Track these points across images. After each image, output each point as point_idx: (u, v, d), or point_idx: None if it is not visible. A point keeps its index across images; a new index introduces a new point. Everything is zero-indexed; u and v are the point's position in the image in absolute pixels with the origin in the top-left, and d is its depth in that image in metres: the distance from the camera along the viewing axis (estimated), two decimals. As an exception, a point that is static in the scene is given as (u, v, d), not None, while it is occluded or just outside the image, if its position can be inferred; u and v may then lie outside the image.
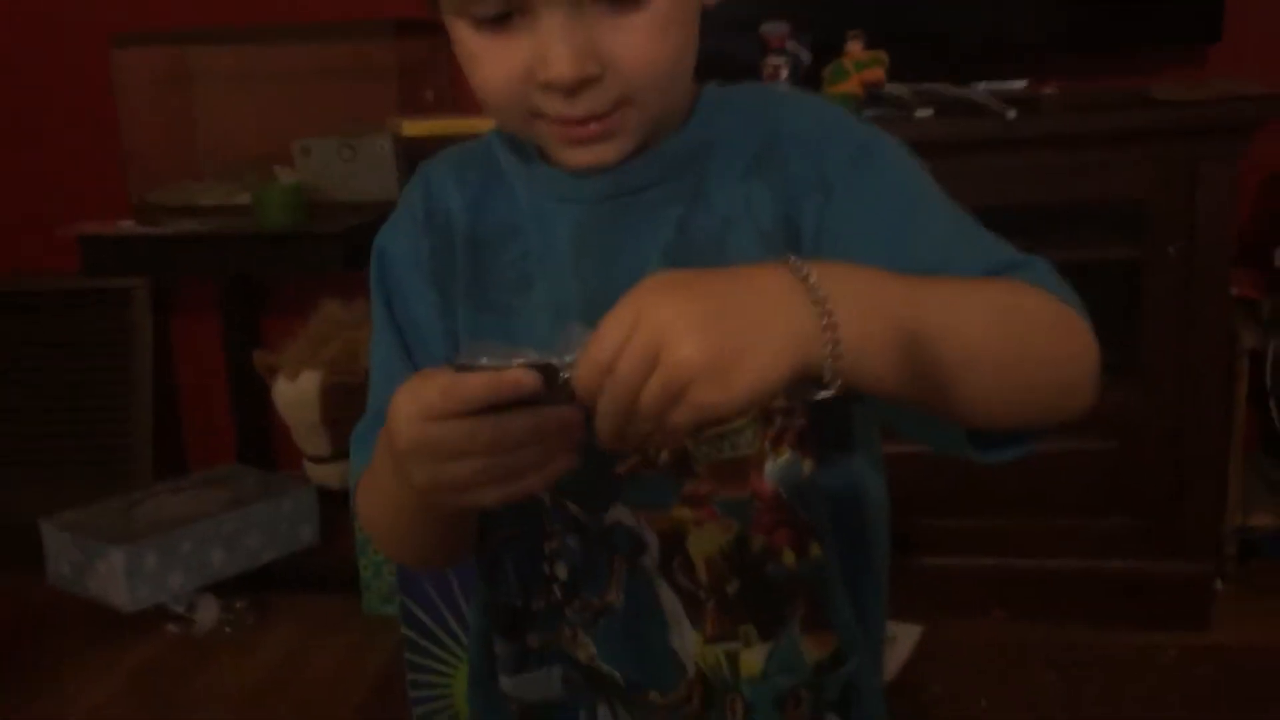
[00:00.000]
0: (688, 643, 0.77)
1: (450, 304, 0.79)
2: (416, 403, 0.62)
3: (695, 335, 0.56)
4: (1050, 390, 0.68)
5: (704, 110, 0.78)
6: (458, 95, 2.50)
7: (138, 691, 2.06)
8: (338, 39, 2.40)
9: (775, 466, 0.76)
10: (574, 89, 0.69)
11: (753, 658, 0.78)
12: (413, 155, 2.16)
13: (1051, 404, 0.68)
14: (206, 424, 2.79)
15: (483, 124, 2.22)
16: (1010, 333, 0.65)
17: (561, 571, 0.79)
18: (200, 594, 2.24)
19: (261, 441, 2.68)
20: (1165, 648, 1.98)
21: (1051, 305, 0.67)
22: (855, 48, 1.94)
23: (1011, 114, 1.86)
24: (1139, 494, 2.04)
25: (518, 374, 0.59)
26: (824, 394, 0.59)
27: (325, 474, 2.14)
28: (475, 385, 0.60)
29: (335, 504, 2.37)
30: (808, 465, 0.77)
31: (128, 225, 2.38)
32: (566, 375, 0.59)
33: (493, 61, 0.71)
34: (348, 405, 2.08)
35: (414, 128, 2.09)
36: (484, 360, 0.60)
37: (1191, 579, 2.03)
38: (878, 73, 1.91)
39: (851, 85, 1.91)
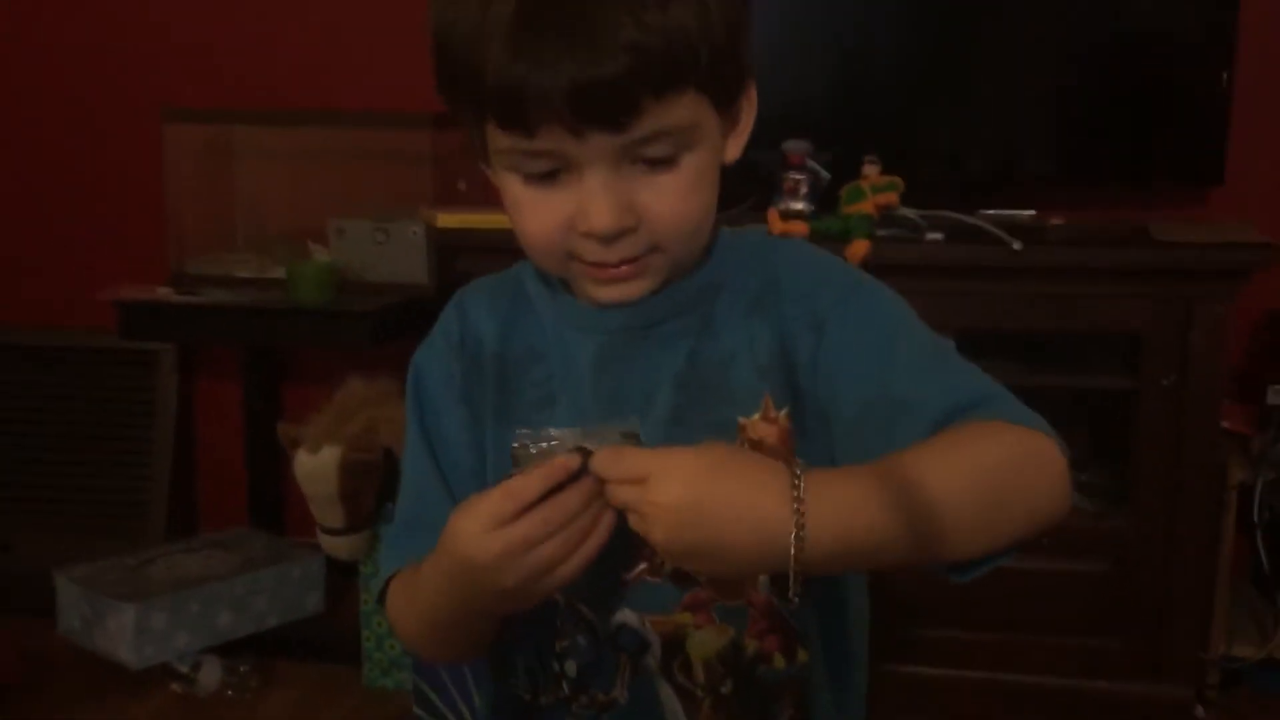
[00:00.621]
0: None
1: (479, 420, 0.88)
2: (480, 518, 0.72)
3: (667, 534, 0.70)
4: (1022, 521, 0.74)
5: (718, 253, 0.87)
6: (489, 187, 2.59)
7: (137, 748, 2.10)
8: (377, 126, 2.51)
9: (767, 579, 0.84)
10: (612, 238, 0.78)
11: None
12: (444, 243, 2.25)
13: (1024, 531, 0.74)
14: (220, 486, 2.84)
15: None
16: (984, 489, 0.72)
17: (571, 669, 0.86)
18: (205, 655, 2.28)
19: (273, 507, 2.74)
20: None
21: (1020, 442, 0.74)
22: (872, 171, 2.04)
23: (1017, 245, 1.94)
24: (1127, 617, 2.09)
25: (565, 460, 0.72)
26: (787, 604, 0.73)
27: (337, 546, 2.20)
28: (534, 481, 0.72)
29: (342, 574, 2.42)
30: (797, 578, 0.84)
31: (164, 292, 2.47)
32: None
33: (537, 212, 0.79)
34: (365, 481, 2.15)
35: (447, 219, 2.18)
36: (540, 445, 0.74)
37: (1174, 704, 2.07)
38: (892, 197, 2.00)
39: (867, 206, 2.00)
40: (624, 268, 0.80)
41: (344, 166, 2.57)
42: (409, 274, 2.40)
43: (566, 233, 0.79)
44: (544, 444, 0.73)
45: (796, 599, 0.70)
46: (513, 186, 0.80)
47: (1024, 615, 2.12)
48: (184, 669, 2.26)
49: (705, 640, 0.84)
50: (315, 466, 2.11)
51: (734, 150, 0.84)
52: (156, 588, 2.29)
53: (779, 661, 0.85)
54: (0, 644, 2.34)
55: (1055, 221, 2.18)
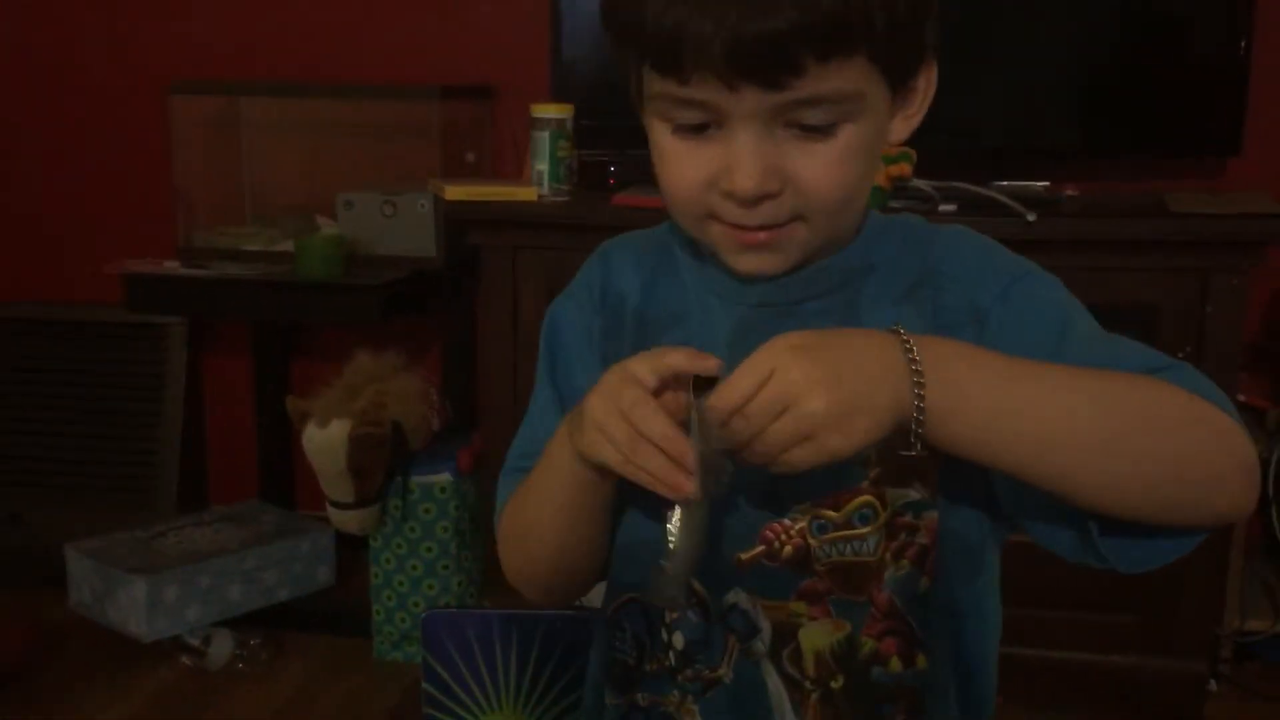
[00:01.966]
0: None
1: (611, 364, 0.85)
2: (634, 362, 0.74)
3: (822, 393, 0.68)
4: (1180, 484, 0.71)
5: (869, 234, 0.84)
6: (497, 159, 2.59)
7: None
8: (385, 99, 2.49)
9: (893, 577, 0.81)
10: (754, 201, 0.76)
11: None
12: (452, 216, 2.24)
13: (1186, 500, 0.71)
14: (230, 460, 2.85)
15: (522, 192, 2.30)
16: (1112, 415, 0.71)
17: (679, 641, 0.84)
18: (216, 628, 2.29)
19: (283, 481, 2.74)
20: (1158, 745, 2.01)
21: (1188, 403, 0.71)
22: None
23: (1031, 216, 1.92)
24: (1140, 592, 2.07)
25: (707, 356, 0.73)
26: (909, 453, 0.71)
27: (346, 520, 2.20)
28: (673, 357, 0.73)
29: (352, 548, 2.42)
30: (924, 582, 0.82)
31: (172, 265, 2.46)
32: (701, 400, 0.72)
33: (682, 164, 0.78)
34: (374, 455, 2.15)
35: (455, 191, 2.16)
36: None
37: (1186, 678, 2.06)
38: (905, 168, 1.98)
39: (880, 178, 1.98)
40: (763, 234, 0.78)
41: (352, 139, 2.56)
42: (417, 247, 2.39)
43: (708, 190, 0.77)
44: None
45: (919, 446, 0.70)
46: (661, 135, 0.78)
47: (1037, 589, 2.09)
48: (195, 642, 2.26)
49: (819, 633, 0.81)
50: (324, 440, 2.11)
51: (902, 130, 0.81)
52: (167, 561, 2.30)
53: (895, 665, 0.82)
54: (12, 616, 2.34)
55: (1070, 193, 2.16)
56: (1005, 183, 2.08)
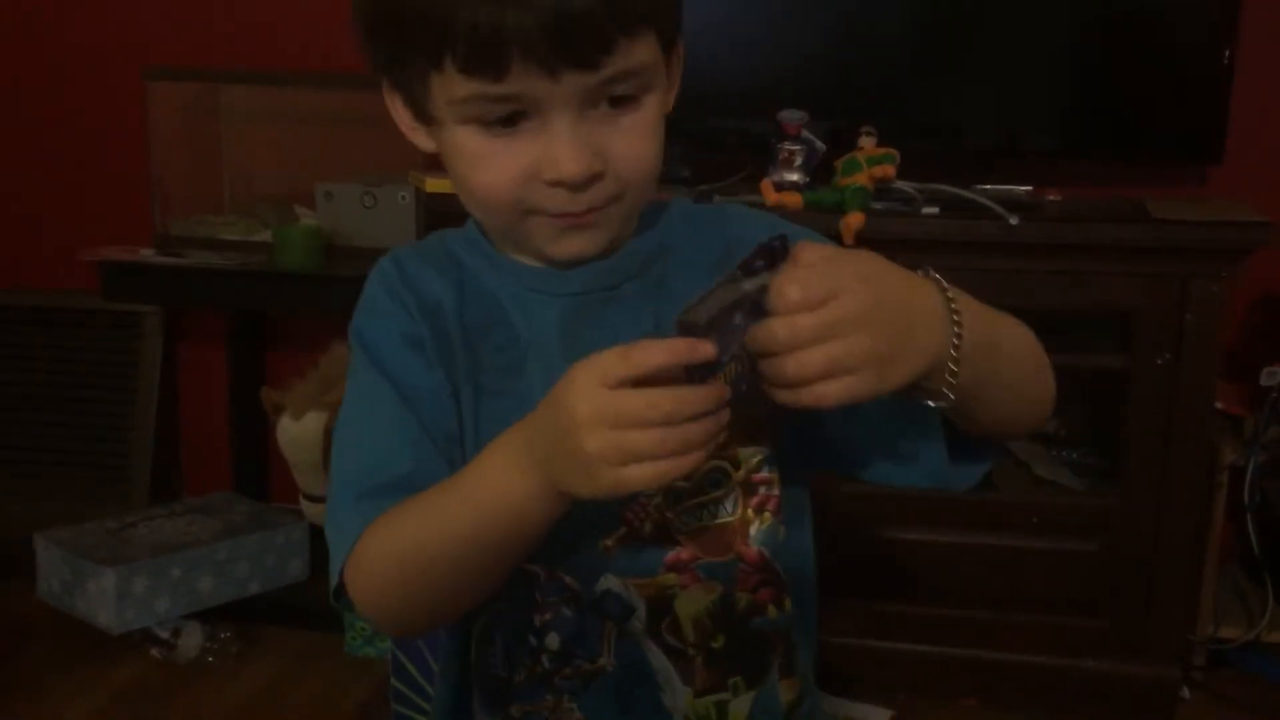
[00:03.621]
0: (678, 698, 0.83)
1: (455, 386, 0.83)
2: (594, 370, 0.65)
3: (875, 330, 0.65)
4: (1036, 406, 0.81)
5: (669, 219, 0.87)
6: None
7: (116, 713, 2.08)
8: (367, 88, 2.46)
9: (759, 532, 0.84)
10: (581, 185, 0.76)
11: (740, 706, 0.85)
12: (432, 208, 2.22)
13: (1030, 419, 0.82)
14: (204, 451, 2.82)
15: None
16: (1034, 357, 0.79)
17: (553, 641, 0.84)
18: (186, 620, 2.26)
19: (257, 473, 2.72)
20: (1129, 751, 2.01)
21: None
22: (868, 143, 2.01)
23: (1014, 219, 1.92)
24: (1114, 597, 2.08)
25: (696, 343, 0.63)
26: (938, 403, 0.71)
27: (320, 513, 2.17)
28: (655, 352, 0.63)
29: (324, 542, 2.39)
30: (782, 531, 0.86)
31: (148, 254, 2.44)
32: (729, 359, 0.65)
33: (497, 163, 0.77)
34: (348, 447, 2.13)
35: (436, 184, 2.15)
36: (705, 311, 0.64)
37: (1159, 684, 2.07)
38: (888, 169, 1.98)
39: (862, 179, 1.97)
40: (588, 215, 0.78)
41: (333, 129, 2.54)
42: (397, 239, 2.35)
43: (528, 183, 0.77)
44: (715, 311, 0.64)
45: (952, 389, 0.70)
46: (467, 139, 0.77)
47: (1012, 593, 2.11)
48: (164, 634, 2.24)
49: (693, 598, 0.83)
50: (299, 433, 2.09)
51: (669, 102, 0.83)
52: (137, 552, 2.27)
53: (772, 612, 0.85)
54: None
55: (1052, 197, 2.16)
56: (988, 186, 2.07)
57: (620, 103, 0.76)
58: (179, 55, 2.61)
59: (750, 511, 0.84)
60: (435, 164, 2.44)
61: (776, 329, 0.64)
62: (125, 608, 2.21)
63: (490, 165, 0.77)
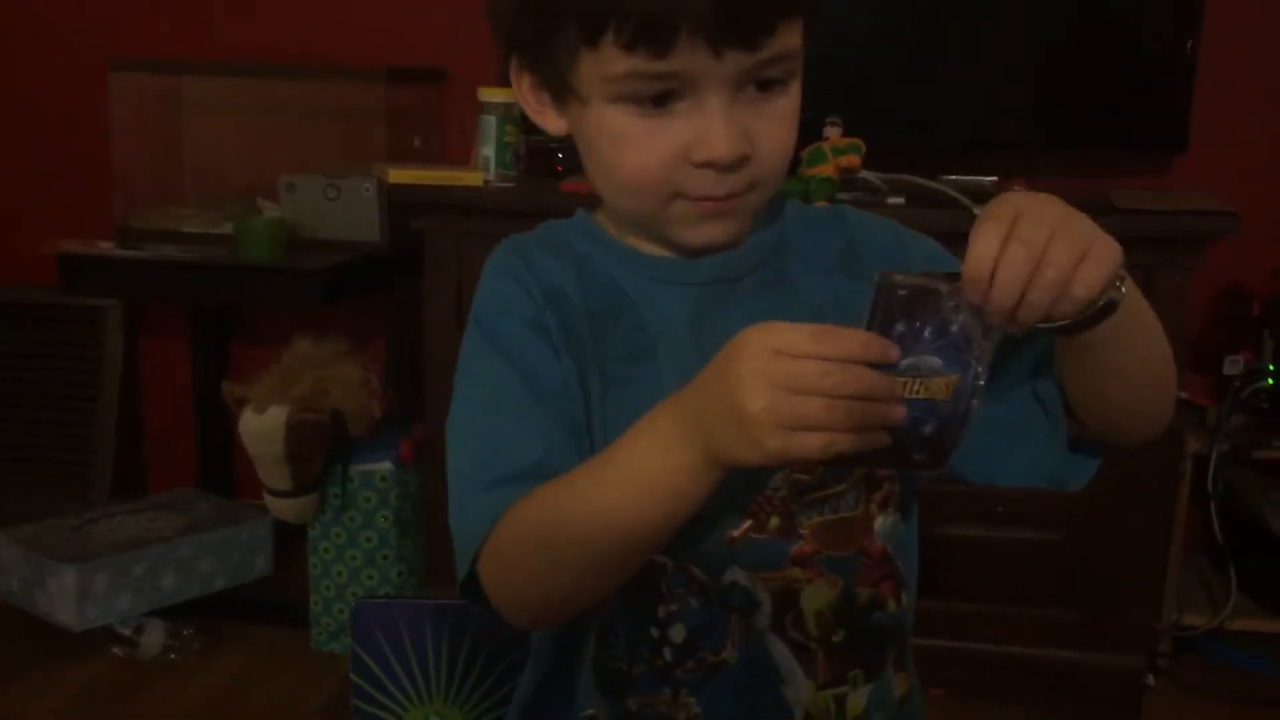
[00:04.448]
0: (800, 691, 0.83)
1: (582, 375, 0.81)
2: (773, 334, 0.64)
3: (1066, 242, 0.65)
4: (1159, 400, 0.79)
5: (786, 217, 0.88)
6: (445, 144, 2.55)
7: (78, 712, 2.05)
8: (331, 79, 2.45)
9: (883, 526, 0.84)
10: (730, 167, 0.76)
11: (858, 699, 0.85)
12: (397, 200, 2.20)
13: (1150, 412, 0.80)
14: (168, 447, 2.80)
15: (468, 177, 2.27)
16: (1165, 343, 0.78)
17: (678, 633, 0.83)
18: (148, 618, 2.24)
19: (222, 468, 2.69)
20: (1095, 739, 2.02)
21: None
22: (834, 134, 2.01)
23: (979, 211, 1.92)
24: (1079, 586, 2.09)
25: (889, 347, 0.64)
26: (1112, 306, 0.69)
27: (284, 508, 2.16)
28: (849, 342, 0.64)
29: (292, 538, 2.38)
30: (902, 527, 0.86)
31: (107, 247, 2.40)
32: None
33: (647, 143, 0.76)
34: (313, 442, 2.11)
35: (399, 175, 2.13)
36: (911, 283, 0.66)
37: (1125, 672, 2.08)
38: (853, 159, 1.97)
39: (828, 169, 1.97)
40: (729, 201, 0.78)
41: (296, 121, 2.52)
42: (361, 231, 2.35)
43: (677, 165, 0.76)
44: (914, 282, 0.65)
45: (1121, 292, 0.69)
46: (616, 118, 0.76)
47: (976, 584, 2.11)
48: (126, 632, 2.22)
49: (817, 593, 0.83)
50: (261, 427, 2.07)
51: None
52: (99, 549, 2.24)
53: (891, 606, 0.85)
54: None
55: (1017, 188, 2.15)
56: (953, 177, 2.07)
57: (767, 87, 0.76)
58: (140, 45, 2.58)
59: (874, 507, 0.84)
60: (399, 155, 2.43)
61: (984, 248, 0.66)
62: (87, 606, 2.18)
63: (641, 145, 0.76)
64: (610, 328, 0.83)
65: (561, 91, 0.79)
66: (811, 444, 0.63)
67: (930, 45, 2.27)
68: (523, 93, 0.83)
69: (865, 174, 1.99)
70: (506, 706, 1.02)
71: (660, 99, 0.75)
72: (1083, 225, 0.67)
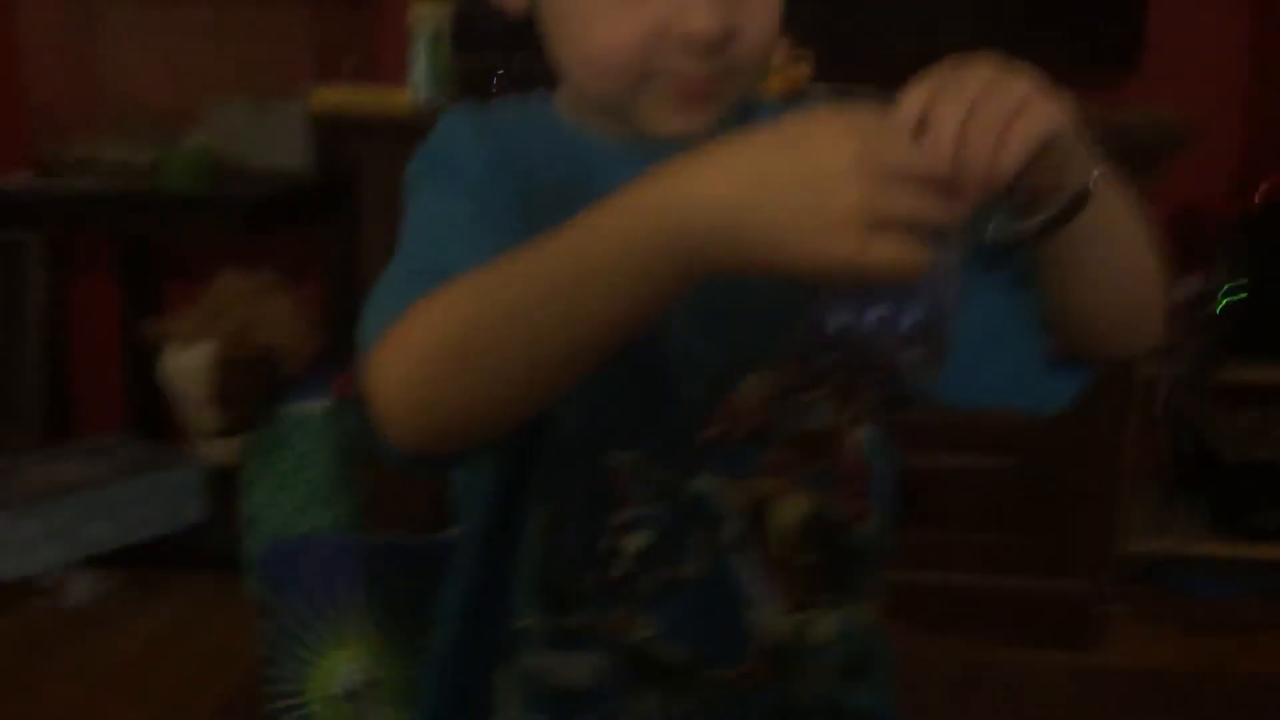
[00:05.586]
0: (763, 615, 0.77)
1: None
2: (851, 124, 0.56)
3: (1000, 95, 0.60)
4: (1146, 308, 0.74)
5: (761, 112, 0.80)
6: (377, 66, 2.44)
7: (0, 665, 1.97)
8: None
9: (859, 441, 0.79)
10: (714, 47, 0.69)
11: (826, 626, 0.79)
12: (326, 124, 2.10)
13: (1136, 321, 0.74)
14: (97, 389, 2.69)
15: (398, 95, 2.16)
16: (1151, 244, 0.71)
17: (636, 542, 0.75)
18: (74, 568, 2.16)
19: (153, 411, 2.59)
20: (1054, 667, 2.00)
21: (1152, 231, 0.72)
22: (782, 45, 1.93)
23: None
24: (1032, 513, 2.06)
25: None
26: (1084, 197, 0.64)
27: (213, 450, 2.07)
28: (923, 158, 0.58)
29: (224, 481, 2.29)
30: (880, 442, 0.81)
31: (24, 177, 2.28)
32: None
33: (620, 16, 0.69)
34: (242, 380, 2.02)
35: (324, 97, 2.02)
36: None
37: (1078, 599, 2.06)
38: (803, 70, 1.90)
39: (773, 82, 1.89)
40: (708, 85, 0.72)
41: (222, 45, 2.39)
42: (291, 158, 2.24)
43: (656, 41, 0.70)
44: None
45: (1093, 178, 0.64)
46: None
47: (927, 511, 2.07)
48: (50, 583, 2.13)
49: (789, 508, 0.77)
50: (186, 365, 1.98)
51: None
52: (21, 497, 2.16)
53: (865, 527, 0.80)
54: None
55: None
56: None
57: None
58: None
59: (849, 418, 0.79)
60: (327, 73, 2.31)
61: (910, 104, 0.59)
62: (8, 555, 2.10)
63: (613, 21, 0.69)
64: (571, 206, 0.73)
65: None
66: (888, 253, 0.54)
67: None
68: None
69: (812, 87, 1.91)
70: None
71: None
72: (1025, 79, 0.61)
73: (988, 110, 0.59)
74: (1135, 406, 2.09)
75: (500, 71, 2.09)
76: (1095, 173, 0.64)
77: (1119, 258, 0.70)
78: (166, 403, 2.53)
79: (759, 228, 0.55)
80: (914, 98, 0.59)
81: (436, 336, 0.62)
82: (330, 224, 2.36)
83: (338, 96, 2.04)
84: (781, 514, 0.77)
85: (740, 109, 0.78)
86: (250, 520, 2.18)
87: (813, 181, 0.55)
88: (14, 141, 2.39)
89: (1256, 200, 2.13)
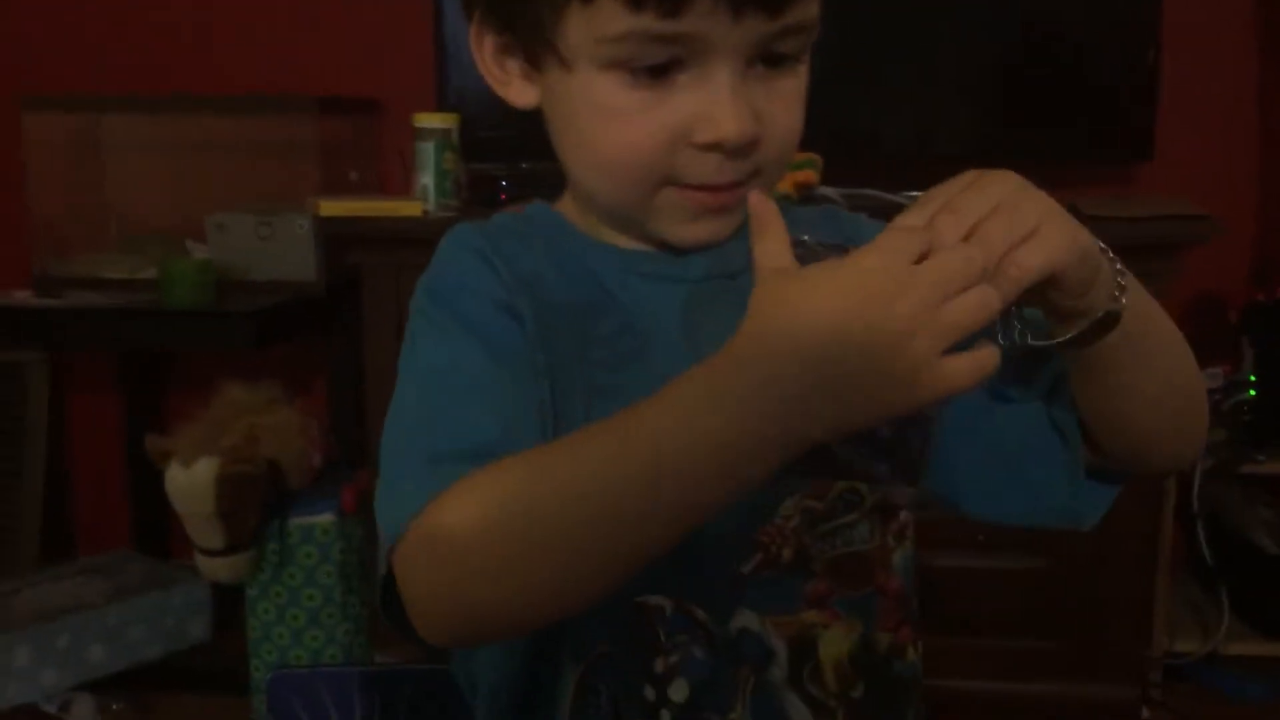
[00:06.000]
0: None
1: (560, 373, 0.69)
2: (886, 252, 0.54)
3: (1008, 216, 0.57)
4: (1185, 421, 0.71)
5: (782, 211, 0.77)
6: (384, 179, 2.44)
7: (-4, 799, 1.90)
8: (259, 112, 2.33)
9: (901, 559, 0.76)
10: (740, 151, 0.66)
11: None
12: (331, 236, 2.09)
13: (1174, 438, 0.71)
14: (100, 507, 2.65)
15: (406, 207, 2.16)
16: (1189, 359, 0.69)
17: (679, 691, 0.70)
18: (76, 692, 2.09)
19: (157, 528, 2.54)
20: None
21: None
22: (789, 148, 1.92)
23: (943, 223, 1.83)
24: (1063, 616, 1.99)
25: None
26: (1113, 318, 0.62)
27: (216, 568, 2.01)
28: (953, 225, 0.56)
29: (231, 599, 2.23)
30: (912, 557, 0.78)
31: (24, 296, 2.27)
32: None
33: (639, 118, 0.66)
34: (246, 496, 1.97)
35: (333, 207, 2.01)
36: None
37: (1118, 704, 1.98)
38: (811, 175, 1.88)
39: (785, 185, 1.87)
40: (730, 194, 0.68)
41: (225, 159, 2.40)
42: (296, 271, 2.23)
43: (673, 146, 0.66)
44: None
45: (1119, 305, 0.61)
46: (606, 88, 0.66)
47: (958, 615, 2.01)
48: (52, 709, 2.07)
49: (835, 640, 0.73)
50: (188, 482, 1.92)
51: None
52: (19, 621, 2.10)
53: (910, 654, 0.77)
54: None
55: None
56: (915, 192, 1.99)
57: (777, 64, 0.67)
58: (55, 83, 2.45)
59: (890, 539, 0.76)
60: (332, 188, 2.31)
61: (910, 216, 0.57)
62: (7, 683, 2.04)
63: (632, 120, 0.66)
64: (591, 325, 0.71)
65: (538, 54, 0.69)
66: (965, 368, 0.53)
67: (889, 57, 2.19)
68: (484, 59, 0.73)
69: (824, 189, 1.90)
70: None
71: (660, 68, 0.65)
72: (1038, 205, 0.58)
73: (990, 231, 0.56)
74: (1166, 501, 2.04)
75: (505, 182, 2.09)
76: (1122, 297, 0.62)
77: (1152, 369, 0.67)
78: (171, 518, 2.49)
79: (849, 409, 0.54)
80: (919, 205, 0.57)
81: (480, 543, 0.58)
82: (335, 334, 2.34)
83: (341, 206, 2.04)
84: (830, 646, 0.73)
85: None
86: (256, 639, 2.11)
87: (877, 352, 0.53)
88: (16, 261, 2.38)
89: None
